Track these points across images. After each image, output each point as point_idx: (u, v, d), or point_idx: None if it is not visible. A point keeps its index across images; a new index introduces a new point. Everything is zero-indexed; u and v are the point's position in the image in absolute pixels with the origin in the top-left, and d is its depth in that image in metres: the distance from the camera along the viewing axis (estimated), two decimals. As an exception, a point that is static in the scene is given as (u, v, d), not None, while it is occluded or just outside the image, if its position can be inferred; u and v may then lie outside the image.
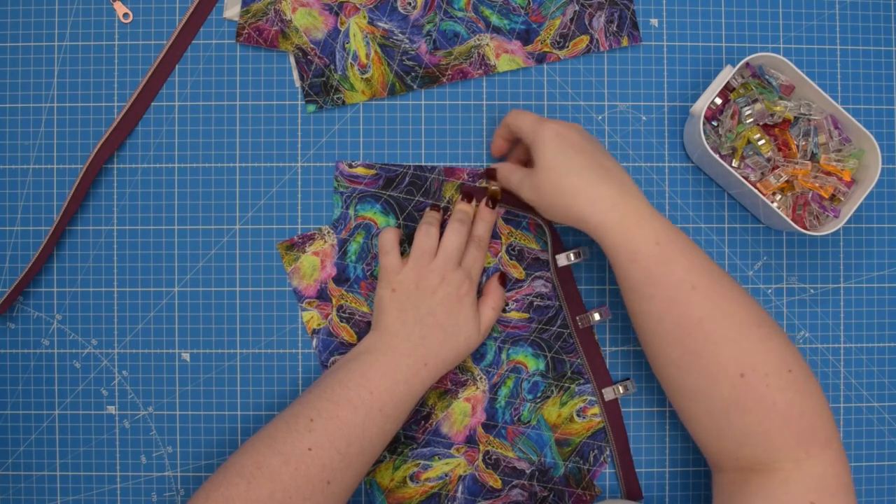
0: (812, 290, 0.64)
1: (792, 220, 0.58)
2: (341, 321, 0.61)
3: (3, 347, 0.62)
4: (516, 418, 0.61)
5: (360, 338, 0.61)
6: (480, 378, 0.61)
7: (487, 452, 0.61)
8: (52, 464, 0.62)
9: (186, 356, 0.62)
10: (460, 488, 0.61)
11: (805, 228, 0.59)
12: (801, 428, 0.49)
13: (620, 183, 0.53)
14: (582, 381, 0.62)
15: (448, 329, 0.56)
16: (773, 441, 0.49)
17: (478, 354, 0.61)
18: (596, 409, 0.61)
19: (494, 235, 0.62)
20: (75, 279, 0.62)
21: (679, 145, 0.63)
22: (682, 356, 0.51)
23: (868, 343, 0.63)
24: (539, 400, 0.61)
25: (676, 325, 0.51)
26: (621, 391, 0.61)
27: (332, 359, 0.61)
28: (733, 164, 0.60)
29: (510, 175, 0.58)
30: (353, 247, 0.61)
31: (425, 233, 0.58)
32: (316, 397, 0.54)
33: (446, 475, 0.61)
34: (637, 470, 0.62)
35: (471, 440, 0.61)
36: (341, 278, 0.61)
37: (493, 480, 0.61)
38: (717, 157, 0.58)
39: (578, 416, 0.61)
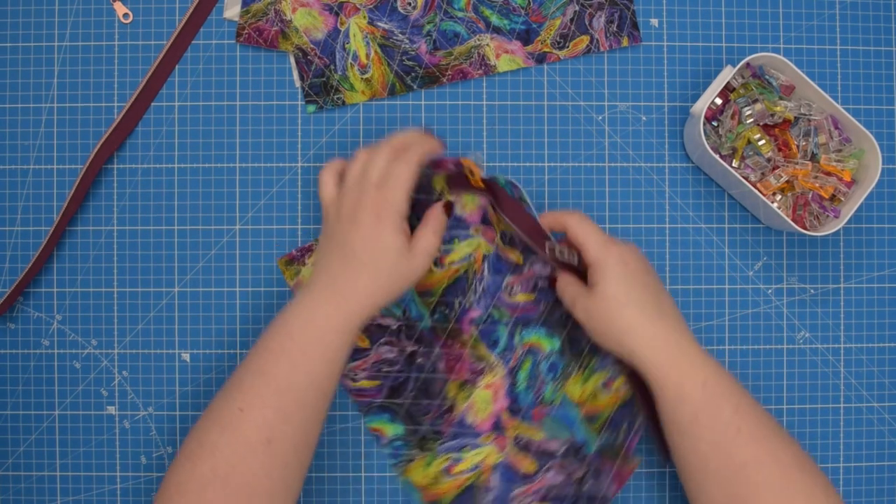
0: (812, 290, 0.64)
1: (792, 220, 0.58)
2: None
3: (3, 347, 0.62)
4: (539, 399, 0.61)
5: (371, 341, 0.61)
6: (497, 364, 0.61)
7: (517, 437, 0.61)
8: (52, 464, 0.62)
9: (186, 356, 0.62)
10: (495, 477, 0.60)
11: (805, 228, 0.59)
12: None
13: (674, 322, 0.53)
14: (601, 355, 0.61)
15: (365, 257, 0.52)
16: None
17: (491, 341, 0.61)
18: (620, 381, 0.61)
19: (485, 221, 0.61)
20: (75, 279, 0.62)
21: (679, 145, 0.63)
22: (725, 497, 0.51)
23: (868, 343, 0.63)
24: (560, 379, 0.61)
25: (720, 466, 0.51)
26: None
27: (351, 365, 0.61)
28: (733, 164, 0.60)
29: (566, 287, 0.57)
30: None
31: (359, 159, 0.55)
32: (247, 356, 0.53)
33: (478, 465, 0.60)
34: (637, 470, 0.62)
35: (497, 427, 0.61)
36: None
37: (527, 464, 0.60)
38: (717, 157, 0.58)
39: (603, 388, 0.61)
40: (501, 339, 0.61)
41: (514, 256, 0.61)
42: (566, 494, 0.60)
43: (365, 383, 0.61)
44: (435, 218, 0.56)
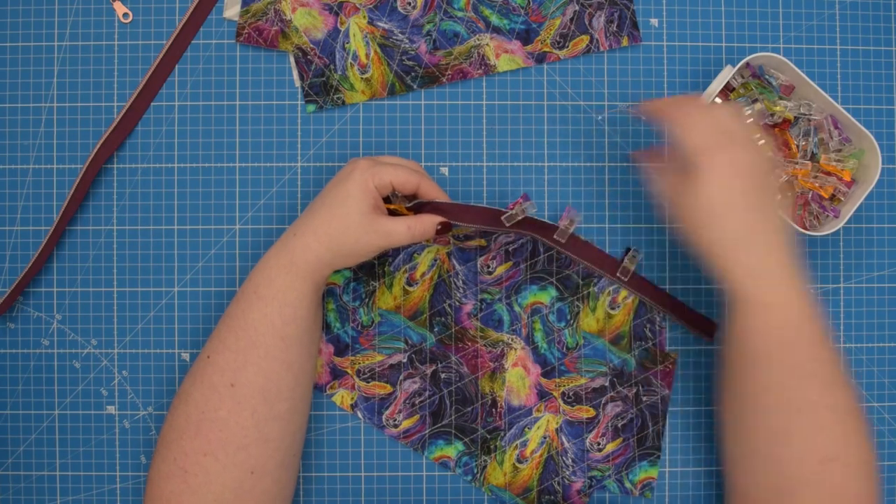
0: (812, 290, 0.64)
1: (792, 220, 0.58)
2: (368, 382, 0.61)
3: (3, 347, 0.62)
4: (564, 349, 0.62)
5: (391, 384, 0.62)
6: (512, 339, 0.62)
7: (563, 393, 0.62)
8: (52, 464, 0.62)
9: (186, 356, 0.62)
10: (563, 438, 0.61)
11: (805, 228, 0.59)
12: None
13: (772, 247, 0.50)
14: (595, 280, 0.62)
15: (327, 199, 0.54)
16: None
17: (495, 322, 0.62)
18: (623, 293, 0.62)
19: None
20: (75, 279, 0.62)
21: (679, 145, 0.63)
22: (773, 431, 0.50)
23: (868, 343, 0.63)
24: (571, 321, 0.62)
25: (777, 403, 0.50)
26: (631, 264, 0.61)
27: (385, 414, 0.61)
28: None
29: (660, 177, 0.54)
30: (331, 316, 0.62)
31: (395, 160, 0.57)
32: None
33: (545, 437, 0.61)
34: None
35: (542, 394, 0.62)
36: (340, 349, 0.62)
37: (585, 412, 0.62)
38: (717, 157, 0.58)
39: (612, 309, 0.62)
40: (504, 316, 0.62)
41: (475, 243, 0.62)
42: (631, 417, 0.62)
43: (406, 423, 0.61)
44: (418, 219, 0.55)
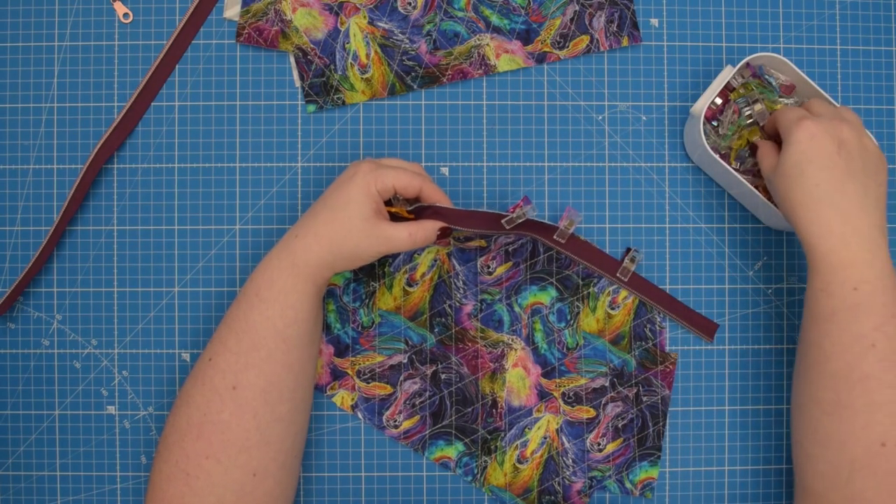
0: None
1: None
2: (368, 383, 0.61)
3: (3, 347, 0.62)
4: (564, 349, 0.62)
5: (391, 384, 0.62)
6: (512, 340, 0.62)
7: (563, 393, 0.62)
8: (52, 464, 0.62)
9: (186, 356, 0.62)
10: (564, 439, 0.61)
11: (805, 228, 0.59)
12: None
13: (851, 215, 0.51)
14: (595, 280, 0.62)
15: (329, 201, 0.54)
16: None
17: (495, 323, 0.62)
18: (623, 293, 0.62)
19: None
20: (75, 279, 0.62)
21: (679, 145, 0.63)
22: (833, 402, 0.50)
23: (868, 343, 0.63)
24: (572, 321, 0.62)
25: (841, 371, 0.50)
26: (632, 263, 0.61)
27: (385, 415, 0.61)
28: (733, 164, 0.60)
29: (765, 157, 0.56)
30: (331, 317, 0.62)
31: (403, 163, 0.57)
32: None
33: (545, 437, 0.61)
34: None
35: (543, 395, 0.62)
36: (341, 350, 0.62)
37: (585, 412, 0.62)
38: (717, 157, 0.58)
39: (612, 309, 0.62)
40: (504, 316, 0.62)
41: (475, 243, 0.62)
42: (631, 418, 0.62)
43: (407, 423, 0.61)
44: (420, 225, 0.55)
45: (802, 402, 0.52)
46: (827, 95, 0.58)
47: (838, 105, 0.56)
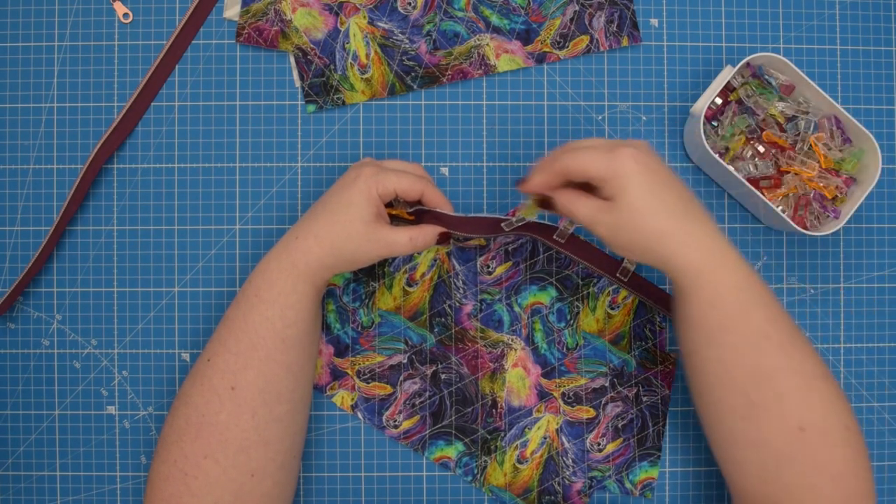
0: (812, 290, 0.64)
1: (792, 220, 0.58)
2: (368, 383, 0.61)
3: (3, 347, 0.62)
4: (564, 349, 0.62)
5: (391, 384, 0.62)
6: (512, 340, 0.62)
7: (563, 393, 0.62)
8: (52, 464, 0.62)
9: (186, 356, 0.62)
10: (564, 439, 0.61)
11: (805, 228, 0.59)
12: (850, 486, 0.49)
13: (705, 223, 0.50)
14: (594, 280, 0.62)
15: (330, 204, 0.54)
16: (820, 496, 0.49)
17: (495, 323, 0.62)
18: (623, 293, 0.62)
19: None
20: (75, 279, 0.62)
21: (679, 145, 0.63)
22: (744, 405, 0.50)
23: (868, 343, 0.63)
24: (571, 321, 0.62)
25: (745, 375, 0.50)
26: (631, 264, 0.61)
27: (385, 415, 0.62)
28: (733, 163, 0.60)
29: (575, 206, 0.51)
30: (331, 317, 0.62)
31: (402, 164, 0.57)
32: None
33: (545, 437, 0.61)
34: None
35: (543, 395, 0.62)
36: (340, 350, 0.62)
37: (585, 412, 0.62)
38: (717, 157, 0.58)
39: (612, 309, 0.62)
40: (504, 316, 0.62)
41: (475, 242, 0.62)
42: (631, 418, 0.62)
43: (406, 424, 0.61)
44: (420, 229, 0.55)
45: (714, 413, 0.52)
46: (827, 96, 0.58)
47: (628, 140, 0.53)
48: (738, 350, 0.50)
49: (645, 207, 0.49)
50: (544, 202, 0.55)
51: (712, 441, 0.53)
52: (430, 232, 0.55)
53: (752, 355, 0.50)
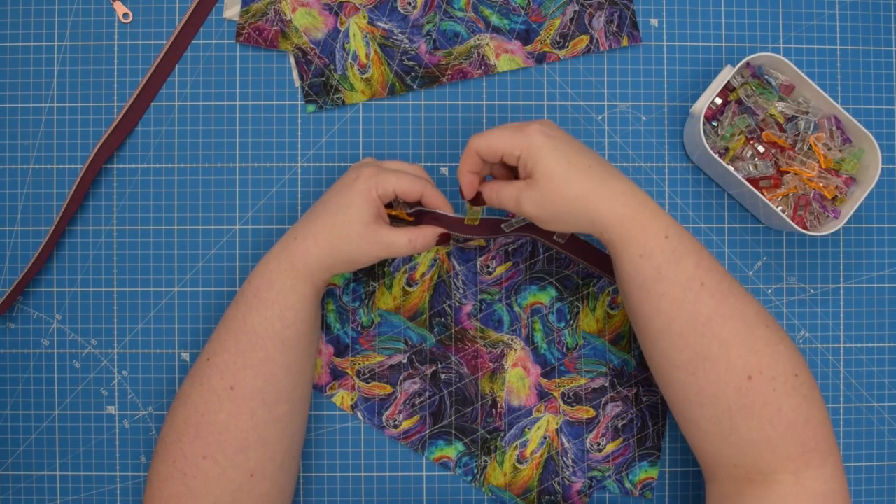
0: (812, 290, 0.64)
1: (792, 220, 0.58)
2: (368, 383, 0.61)
3: (3, 347, 0.62)
4: (564, 349, 0.62)
5: (391, 384, 0.62)
6: (512, 340, 0.62)
7: (563, 393, 0.62)
8: (52, 464, 0.62)
9: (186, 356, 0.62)
10: (564, 439, 0.61)
11: (805, 228, 0.59)
12: (804, 437, 0.49)
13: (621, 179, 0.52)
14: (594, 280, 0.62)
15: (330, 204, 0.54)
16: (776, 449, 0.49)
17: (495, 323, 0.62)
18: None
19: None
20: (75, 279, 0.62)
21: (679, 145, 0.63)
22: (690, 359, 0.50)
23: (868, 343, 0.63)
24: (571, 321, 0.62)
25: (686, 324, 0.50)
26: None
27: (385, 415, 0.61)
28: (733, 163, 0.60)
29: (500, 194, 0.53)
30: (331, 317, 0.62)
31: (401, 164, 0.57)
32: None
33: (545, 437, 0.61)
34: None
35: (542, 395, 0.62)
36: (340, 350, 0.62)
37: (585, 412, 0.62)
38: (716, 157, 0.58)
39: (612, 309, 0.62)
40: (503, 316, 0.62)
41: (475, 242, 0.62)
42: (631, 418, 0.62)
43: (406, 423, 0.61)
44: (420, 231, 0.55)
45: (664, 372, 0.52)
46: (827, 96, 0.58)
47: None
48: (674, 300, 0.50)
49: (562, 174, 0.50)
50: (478, 200, 0.56)
51: (670, 404, 0.54)
52: (429, 233, 0.55)
53: (690, 303, 0.50)
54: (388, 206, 0.57)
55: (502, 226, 0.57)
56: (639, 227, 0.50)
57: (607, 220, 0.51)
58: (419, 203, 0.56)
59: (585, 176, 0.50)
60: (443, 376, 0.61)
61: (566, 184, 0.50)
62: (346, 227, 0.53)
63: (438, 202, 0.56)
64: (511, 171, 0.56)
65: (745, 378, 0.49)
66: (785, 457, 0.49)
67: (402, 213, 0.57)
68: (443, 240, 0.56)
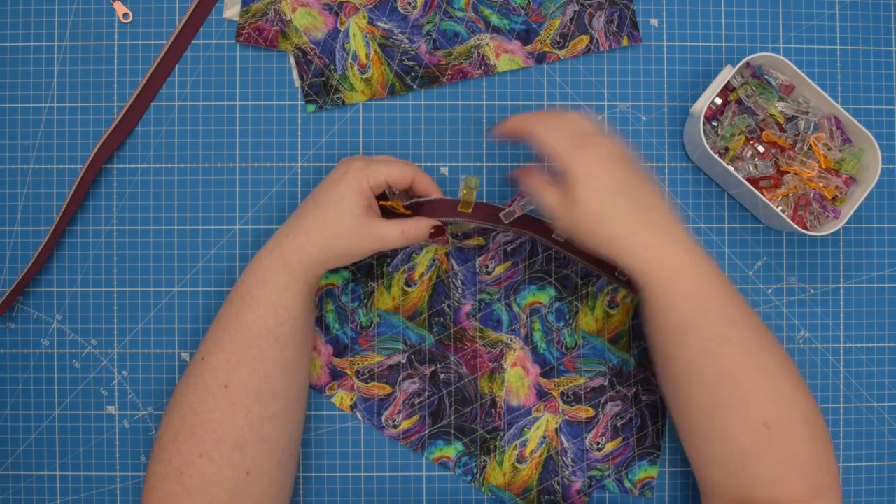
0: (812, 290, 0.64)
1: (792, 220, 0.58)
2: (367, 383, 0.61)
3: (3, 347, 0.62)
4: (563, 349, 0.62)
5: (390, 384, 0.62)
6: (511, 340, 0.62)
7: (562, 393, 0.62)
8: (51, 464, 0.62)
9: (186, 356, 0.62)
10: (563, 438, 0.61)
11: (805, 228, 0.59)
12: (816, 479, 0.50)
13: (660, 224, 0.51)
14: (593, 280, 0.62)
15: (321, 199, 0.54)
16: (787, 488, 0.49)
17: (494, 323, 0.62)
18: (622, 292, 0.62)
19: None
20: (75, 279, 0.62)
21: (679, 145, 0.63)
22: (710, 403, 0.50)
23: (868, 343, 0.63)
24: (571, 321, 0.62)
25: (708, 373, 0.50)
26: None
27: (384, 415, 0.62)
28: (732, 163, 0.60)
29: (540, 194, 0.53)
30: (330, 317, 0.62)
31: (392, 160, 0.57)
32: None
33: (544, 437, 0.61)
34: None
35: (542, 394, 0.62)
36: (339, 350, 0.62)
37: (584, 412, 0.62)
38: (716, 157, 0.58)
39: (611, 308, 0.62)
40: (503, 316, 0.62)
41: (474, 242, 0.62)
42: (630, 417, 0.62)
43: (406, 423, 0.61)
44: (413, 222, 0.55)
45: (682, 408, 0.52)
46: (827, 96, 0.58)
47: (570, 111, 0.54)
48: (697, 350, 0.50)
49: (593, 211, 0.50)
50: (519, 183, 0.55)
51: (680, 433, 0.54)
52: (422, 224, 0.55)
53: (714, 356, 0.50)
54: (384, 198, 0.57)
55: (501, 215, 0.57)
56: (665, 283, 0.50)
57: (633, 269, 0.51)
58: (414, 195, 0.56)
59: (619, 221, 0.50)
60: (442, 376, 0.61)
61: (598, 225, 0.50)
62: (338, 221, 0.53)
63: (429, 187, 0.56)
64: None
65: (762, 426, 0.49)
66: (793, 491, 0.49)
67: (398, 204, 0.57)
68: (438, 231, 0.56)
